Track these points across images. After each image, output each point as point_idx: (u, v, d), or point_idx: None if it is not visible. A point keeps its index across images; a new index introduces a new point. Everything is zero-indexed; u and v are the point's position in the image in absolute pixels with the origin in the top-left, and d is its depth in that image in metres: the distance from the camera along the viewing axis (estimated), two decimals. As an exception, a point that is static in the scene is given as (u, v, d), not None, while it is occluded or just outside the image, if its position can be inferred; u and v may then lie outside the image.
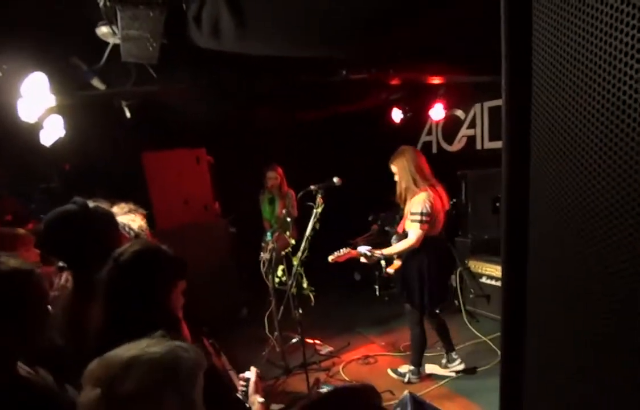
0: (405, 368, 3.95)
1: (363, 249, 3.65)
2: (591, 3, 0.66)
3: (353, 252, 3.65)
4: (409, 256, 3.60)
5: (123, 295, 1.53)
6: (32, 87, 2.60)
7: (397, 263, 3.75)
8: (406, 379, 3.88)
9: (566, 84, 0.76)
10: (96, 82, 2.88)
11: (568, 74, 0.75)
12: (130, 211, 2.41)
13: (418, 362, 3.86)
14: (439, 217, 3.52)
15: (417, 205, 3.42)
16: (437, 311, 3.86)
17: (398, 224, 5.62)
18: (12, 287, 1.36)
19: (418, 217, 3.41)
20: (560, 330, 0.88)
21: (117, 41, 2.43)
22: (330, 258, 3.68)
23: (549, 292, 0.91)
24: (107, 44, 2.59)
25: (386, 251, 3.63)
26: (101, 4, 1.96)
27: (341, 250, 3.64)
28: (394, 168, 3.60)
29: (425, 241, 3.47)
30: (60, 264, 2.00)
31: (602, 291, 0.72)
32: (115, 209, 2.27)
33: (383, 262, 3.74)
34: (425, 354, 3.91)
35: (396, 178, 3.63)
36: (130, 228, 2.26)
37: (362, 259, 3.65)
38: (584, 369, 0.81)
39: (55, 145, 3.62)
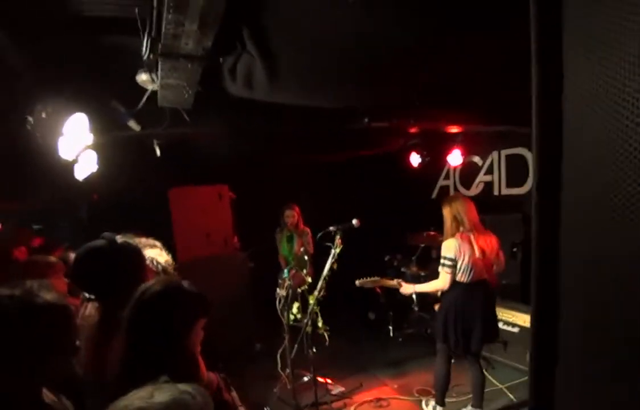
0: (431, 403, 4.02)
1: (396, 280, 3.83)
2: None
3: (383, 280, 3.78)
4: (442, 296, 3.76)
5: (144, 332, 1.55)
6: (73, 127, 2.76)
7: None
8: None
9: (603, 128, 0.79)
10: (132, 124, 3.05)
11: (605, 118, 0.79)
12: (153, 246, 2.46)
13: (439, 401, 3.87)
14: (471, 264, 3.54)
15: (444, 250, 3.59)
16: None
17: (414, 264, 5.69)
18: (46, 321, 1.39)
19: (442, 261, 3.59)
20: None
21: (156, 88, 2.59)
22: (358, 282, 3.80)
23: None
24: (144, 88, 2.76)
25: (418, 287, 3.80)
26: (145, 56, 2.12)
27: (370, 277, 3.77)
28: (443, 210, 3.80)
29: (454, 286, 3.58)
30: (87, 295, 2.05)
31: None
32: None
33: (414, 297, 3.86)
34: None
35: None
36: (158, 262, 2.32)
37: (402, 291, 3.81)
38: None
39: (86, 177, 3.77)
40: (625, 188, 0.75)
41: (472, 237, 3.59)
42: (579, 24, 0.86)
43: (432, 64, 2.29)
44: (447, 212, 3.70)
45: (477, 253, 3.57)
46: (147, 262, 2.25)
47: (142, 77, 2.55)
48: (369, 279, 3.77)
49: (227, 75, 2.39)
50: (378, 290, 5.86)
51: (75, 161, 3.41)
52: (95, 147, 3.36)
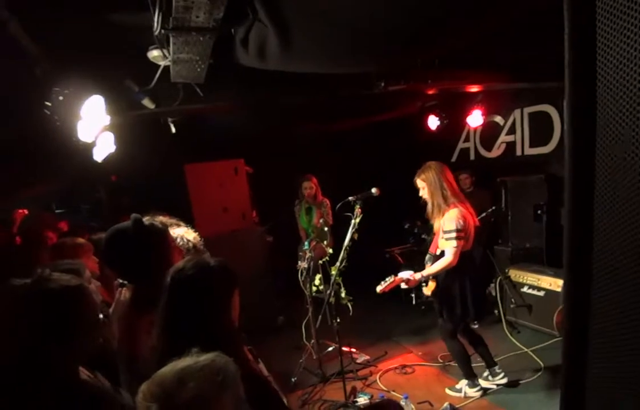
0: (461, 383, 3.85)
1: (405, 275, 3.62)
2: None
3: (397, 279, 3.63)
4: (448, 273, 3.51)
5: (181, 314, 1.54)
6: (90, 109, 2.76)
7: (431, 284, 3.65)
8: (463, 394, 3.78)
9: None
10: (147, 102, 3.03)
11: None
12: (179, 225, 2.48)
13: (470, 374, 3.76)
14: (471, 232, 3.48)
15: (451, 222, 3.36)
16: (476, 324, 3.82)
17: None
18: (64, 303, 1.46)
19: (454, 234, 3.34)
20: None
21: (168, 63, 2.55)
22: (379, 289, 3.66)
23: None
24: (156, 65, 2.72)
25: (426, 273, 3.56)
26: (156, 32, 2.07)
27: (387, 279, 3.63)
28: (420, 183, 3.54)
29: (461, 257, 3.42)
30: (120, 281, 2.10)
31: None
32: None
33: (423, 287, 3.74)
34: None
35: (421, 193, 3.58)
36: (188, 240, 2.32)
37: (403, 285, 3.66)
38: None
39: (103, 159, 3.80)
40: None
41: (467, 205, 3.51)
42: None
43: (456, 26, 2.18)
44: (430, 182, 3.45)
45: (476, 221, 3.51)
46: (177, 240, 2.28)
47: (154, 54, 2.52)
48: (386, 282, 3.62)
49: (239, 46, 2.32)
50: (400, 259, 5.84)
51: (93, 143, 3.44)
52: (112, 127, 3.37)
